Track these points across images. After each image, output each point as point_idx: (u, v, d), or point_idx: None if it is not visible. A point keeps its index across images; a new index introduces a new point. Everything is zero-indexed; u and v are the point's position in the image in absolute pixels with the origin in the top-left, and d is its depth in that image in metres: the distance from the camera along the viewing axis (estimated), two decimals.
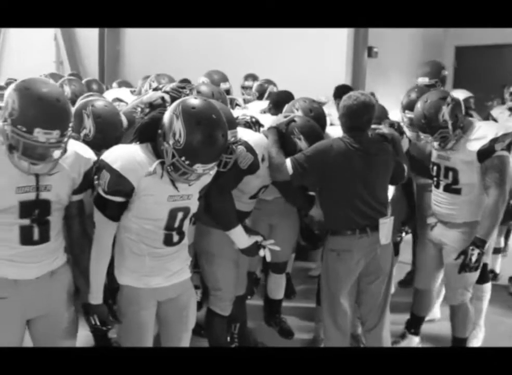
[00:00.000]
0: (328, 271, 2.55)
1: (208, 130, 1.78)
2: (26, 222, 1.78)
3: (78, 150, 1.89)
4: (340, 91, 3.79)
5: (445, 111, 2.57)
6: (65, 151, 1.75)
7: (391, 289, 2.65)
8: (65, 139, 1.71)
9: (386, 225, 2.50)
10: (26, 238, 1.80)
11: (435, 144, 2.66)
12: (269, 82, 4.38)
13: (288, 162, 2.38)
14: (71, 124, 1.72)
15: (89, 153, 1.95)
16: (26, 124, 1.62)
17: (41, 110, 1.64)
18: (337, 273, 2.51)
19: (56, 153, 1.72)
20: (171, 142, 1.79)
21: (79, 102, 2.40)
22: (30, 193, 1.76)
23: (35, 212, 1.78)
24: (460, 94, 3.85)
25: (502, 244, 4.26)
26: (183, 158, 1.77)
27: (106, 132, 2.31)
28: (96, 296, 1.95)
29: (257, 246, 2.35)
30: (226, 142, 1.86)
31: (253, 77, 4.96)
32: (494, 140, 2.55)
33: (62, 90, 1.80)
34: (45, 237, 1.84)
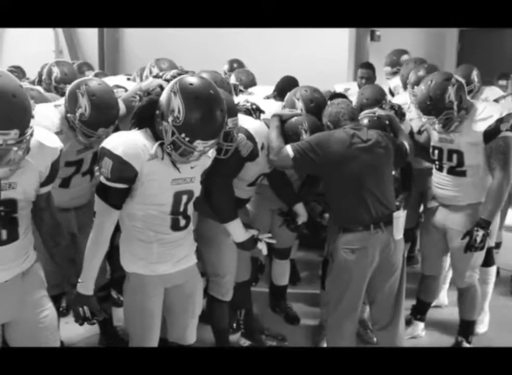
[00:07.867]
0: (341, 271, 2.43)
1: (207, 105, 1.77)
2: None
3: (42, 140, 1.72)
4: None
5: (451, 92, 2.54)
6: (27, 151, 1.59)
7: (404, 284, 2.57)
8: (26, 138, 1.53)
9: (400, 219, 2.45)
10: None
11: (438, 126, 2.63)
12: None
13: (288, 147, 2.35)
14: (31, 123, 1.55)
15: (55, 142, 1.79)
16: None
17: None
18: (350, 273, 2.40)
19: (17, 156, 1.54)
20: (170, 119, 1.76)
21: (73, 83, 2.36)
22: None
23: (0, 213, 1.64)
24: None
25: None
26: (183, 135, 1.75)
27: (102, 109, 2.26)
28: (88, 286, 1.89)
29: (254, 240, 2.34)
30: (224, 118, 1.84)
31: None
32: (500, 120, 2.53)
33: (19, 84, 1.54)
34: (13, 236, 1.71)
